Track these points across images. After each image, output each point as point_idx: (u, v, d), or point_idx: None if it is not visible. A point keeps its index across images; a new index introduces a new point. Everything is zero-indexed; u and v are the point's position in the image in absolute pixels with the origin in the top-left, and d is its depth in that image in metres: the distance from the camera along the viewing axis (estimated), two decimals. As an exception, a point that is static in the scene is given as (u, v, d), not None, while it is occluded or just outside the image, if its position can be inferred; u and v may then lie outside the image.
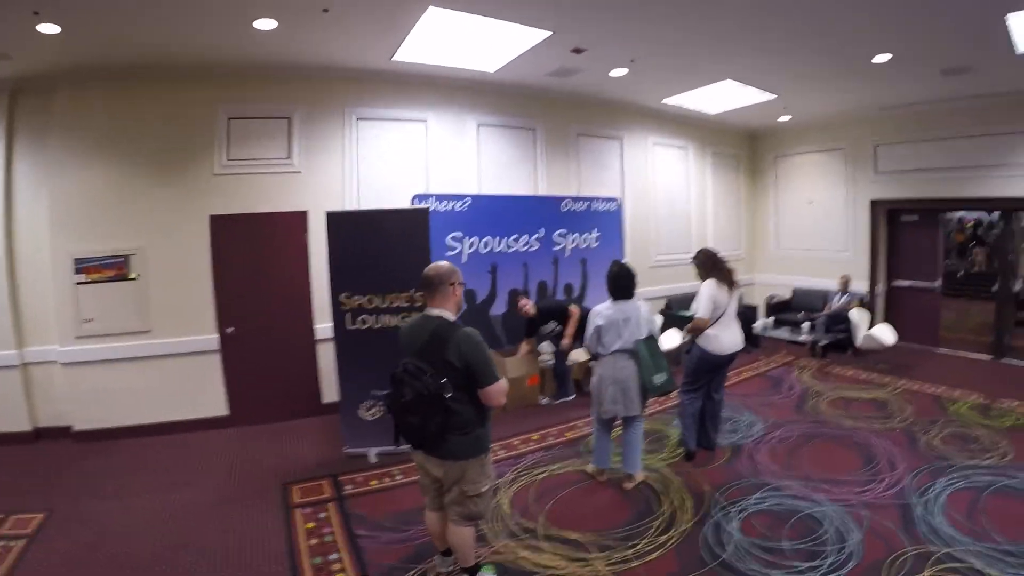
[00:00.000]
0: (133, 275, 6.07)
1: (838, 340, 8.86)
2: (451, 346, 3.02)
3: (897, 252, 9.87)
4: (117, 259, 6.03)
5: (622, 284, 4.77)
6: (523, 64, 6.61)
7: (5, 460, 5.57)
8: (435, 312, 3.18)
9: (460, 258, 7.15)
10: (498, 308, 7.58)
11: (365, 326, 5.44)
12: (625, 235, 8.98)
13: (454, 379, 3.00)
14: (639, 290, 4.89)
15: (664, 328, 7.11)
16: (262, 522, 4.33)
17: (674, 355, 7.19)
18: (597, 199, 8.54)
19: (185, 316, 6.27)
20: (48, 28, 4.74)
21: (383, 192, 6.97)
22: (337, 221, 5.45)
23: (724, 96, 8.40)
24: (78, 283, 5.94)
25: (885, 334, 8.30)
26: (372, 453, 5.46)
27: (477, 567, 3.45)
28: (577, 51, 6.24)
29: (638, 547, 3.88)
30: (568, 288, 8.22)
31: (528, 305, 6.97)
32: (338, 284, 5.41)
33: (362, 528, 4.21)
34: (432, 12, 5.02)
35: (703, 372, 5.25)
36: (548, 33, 5.65)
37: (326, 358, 6.47)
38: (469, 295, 7.23)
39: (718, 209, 10.92)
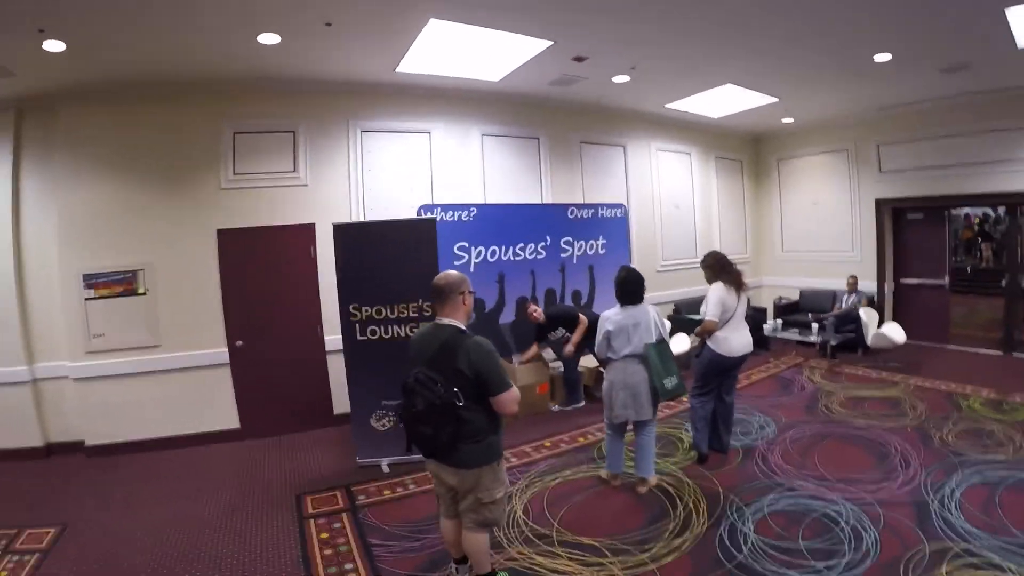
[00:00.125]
0: (142, 290, 6.11)
1: (848, 340, 8.83)
2: (461, 355, 3.01)
3: (904, 250, 9.86)
4: (126, 274, 6.07)
5: (630, 289, 4.77)
6: (525, 74, 6.65)
7: (18, 475, 5.59)
8: (445, 321, 3.18)
9: (467, 267, 7.17)
10: (507, 316, 7.60)
11: (375, 337, 5.46)
12: (631, 241, 9.00)
13: (465, 388, 2.99)
14: (647, 295, 4.89)
15: (673, 332, 7.11)
16: (276, 533, 4.33)
17: (684, 359, 7.19)
18: (603, 206, 8.57)
19: (194, 330, 6.30)
20: (53, 46, 4.80)
21: (389, 203, 7.00)
22: (345, 233, 5.48)
23: (726, 100, 8.42)
24: (87, 299, 5.98)
25: (896, 332, 8.28)
26: (384, 463, 5.46)
27: (493, 574, 3.44)
28: (578, 59, 6.27)
29: (653, 551, 3.87)
30: (576, 295, 8.23)
31: (537, 311, 6.98)
32: (347, 295, 5.43)
33: (376, 538, 4.20)
34: (433, 24, 5.06)
35: (713, 375, 5.24)
36: (549, 43, 5.69)
37: (336, 369, 6.44)
38: (478, 304, 7.23)
39: (723, 213, 10.93)
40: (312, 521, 4.49)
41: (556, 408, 7.13)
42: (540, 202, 8.28)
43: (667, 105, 8.72)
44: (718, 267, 5.20)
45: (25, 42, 4.69)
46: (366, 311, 5.43)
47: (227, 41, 5.20)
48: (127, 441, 6.07)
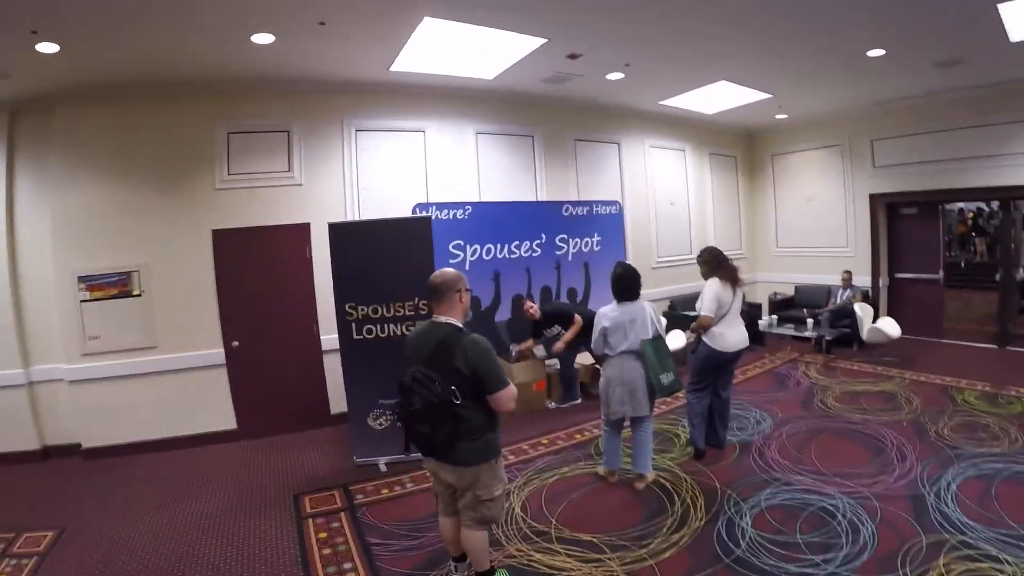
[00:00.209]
0: (137, 292, 6.09)
1: (843, 335, 8.86)
2: (458, 353, 3.01)
3: (898, 245, 9.90)
4: (121, 276, 6.05)
5: (626, 285, 4.78)
6: (519, 72, 6.64)
7: (15, 479, 5.58)
8: (442, 319, 3.17)
9: (463, 266, 7.18)
10: (503, 314, 7.61)
11: (371, 336, 5.46)
12: (626, 238, 9.01)
13: (462, 386, 3.00)
14: (643, 292, 4.90)
15: (669, 329, 7.12)
16: (274, 533, 4.33)
17: (680, 355, 7.20)
18: (598, 203, 8.59)
19: (190, 331, 6.29)
20: (47, 47, 4.78)
21: (384, 202, 6.99)
22: (340, 232, 5.47)
23: (720, 97, 8.43)
24: (82, 300, 5.96)
25: (890, 327, 8.31)
26: (382, 462, 5.46)
27: (492, 571, 3.45)
28: (573, 57, 6.27)
29: (652, 546, 3.88)
30: (572, 292, 8.25)
31: (533, 308, 7.00)
32: (343, 295, 5.43)
33: (375, 537, 4.20)
34: (428, 23, 5.05)
35: (709, 370, 5.26)
36: (543, 40, 5.68)
37: (333, 369, 6.43)
38: (474, 303, 7.21)
39: (718, 209, 10.95)
40: (310, 521, 4.49)
41: (553, 405, 7.14)
42: (535, 200, 8.29)
43: (661, 102, 8.72)
44: (715, 262, 5.22)
45: (19, 44, 4.67)
46: (362, 310, 5.43)
47: (221, 41, 5.19)
48: (124, 443, 6.06)
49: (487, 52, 6.04)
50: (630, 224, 9.21)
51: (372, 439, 5.51)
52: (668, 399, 5.94)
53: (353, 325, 5.44)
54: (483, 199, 7.76)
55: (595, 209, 8.51)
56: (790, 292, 10.67)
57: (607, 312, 4.78)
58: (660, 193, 9.85)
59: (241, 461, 5.88)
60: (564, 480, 5.03)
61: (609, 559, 3.75)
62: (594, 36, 5.71)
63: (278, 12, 4.67)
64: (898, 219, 9.84)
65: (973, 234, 15.53)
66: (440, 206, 7.18)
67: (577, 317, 6.81)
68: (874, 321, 8.61)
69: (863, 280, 9.71)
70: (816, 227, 10.60)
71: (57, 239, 5.96)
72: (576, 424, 6.41)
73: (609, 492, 4.78)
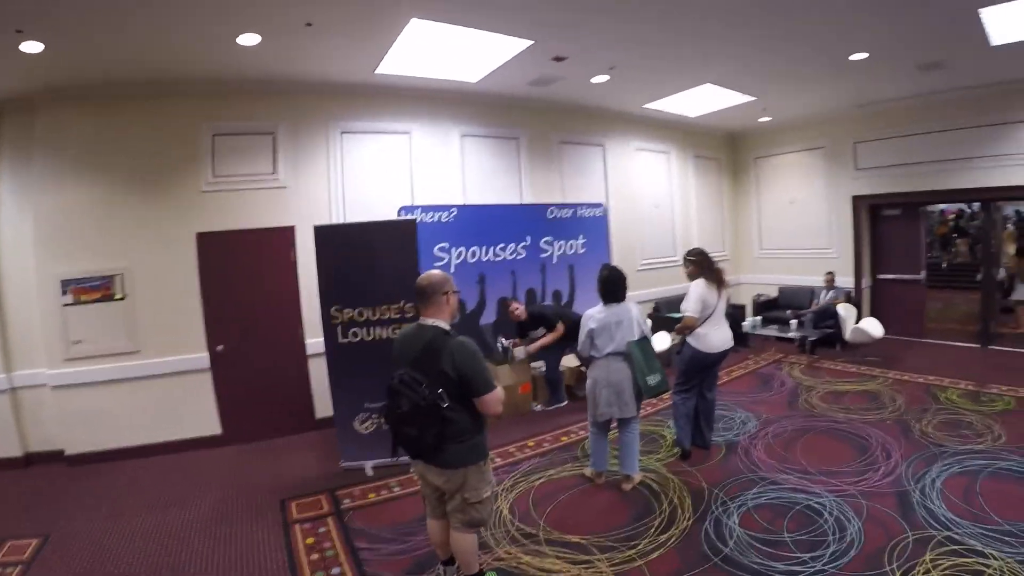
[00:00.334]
0: (119, 295, 6.02)
1: (826, 335, 8.92)
2: (446, 356, 3.00)
3: (881, 246, 9.99)
4: (104, 279, 5.97)
5: (613, 288, 4.80)
6: (505, 74, 6.65)
7: (-3, 486, 5.51)
8: (429, 322, 3.16)
9: (448, 268, 7.14)
10: (488, 317, 7.60)
11: (357, 339, 5.42)
12: (611, 240, 9.03)
13: (449, 389, 2.99)
14: (628, 294, 4.92)
15: (654, 330, 7.15)
16: (262, 539, 4.30)
17: (665, 357, 7.22)
18: (582, 205, 8.61)
19: (174, 335, 6.22)
20: (32, 46, 4.73)
21: (369, 205, 6.96)
22: (325, 235, 5.44)
23: (704, 99, 8.48)
24: (65, 304, 5.87)
25: (873, 327, 8.38)
26: (368, 466, 5.43)
27: (481, 574, 3.44)
28: (558, 59, 6.29)
29: (640, 547, 3.89)
30: (557, 294, 8.26)
31: (519, 309, 7.00)
32: (328, 298, 5.39)
33: (363, 541, 4.18)
34: (415, 24, 5.05)
35: (695, 371, 5.28)
36: (529, 42, 5.69)
37: (318, 373, 6.38)
38: (459, 306, 7.21)
39: (702, 212, 11.00)
40: (298, 526, 4.46)
41: (539, 408, 7.13)
42: (520, 202, 8.29)
43: (645, 105, 8.77)
44: (703, 263, 5.25)
45: (3, 43, 4.61)
46: (348, 313, 5.40)
47: (208, 42, 5.15)
48: (108, 449, 5.98)
49: (473, 55, 6.04)
50: (615, 226, 9.22)
51: (358, 443, 5.47)
52: (653, 400, 5.95)
53: (339, 328, 5.41)
54: (468, 201, 7.75)
55: (580, 212, 8.53)
56: (773, 293, 10.74)
57: (594, 314, 4.79)
58: (645, 195, 9.88)
59: (226, 466, 5.83)
60: (551, 482, 5.03)
61: (598, 560, 3.76)
62: (580, 38, 5.73)
63: (265, 12, 4.65)
64: (880, 220, 9.93)
65: (954, 235, 15.69)
66: (425, 209, 7.16)
67: (560, 326, 6.82)
68: (857, 322, 8.68)
69: (846, 281, 9.78)
70: (799, 229, 10.67)
71: (39, 241, 5.88)
72: (562, 426, 6.41)
73: (596, 494, 4.78)
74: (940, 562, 3.41)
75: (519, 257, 7.90)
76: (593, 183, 9.17)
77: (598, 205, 8.84)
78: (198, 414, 6.33)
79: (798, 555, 3.62)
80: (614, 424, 4.93)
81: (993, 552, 3.45)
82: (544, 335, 6.96)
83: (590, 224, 8.66)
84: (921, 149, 8.89)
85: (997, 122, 8.12)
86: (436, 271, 3.34)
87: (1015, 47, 6.23)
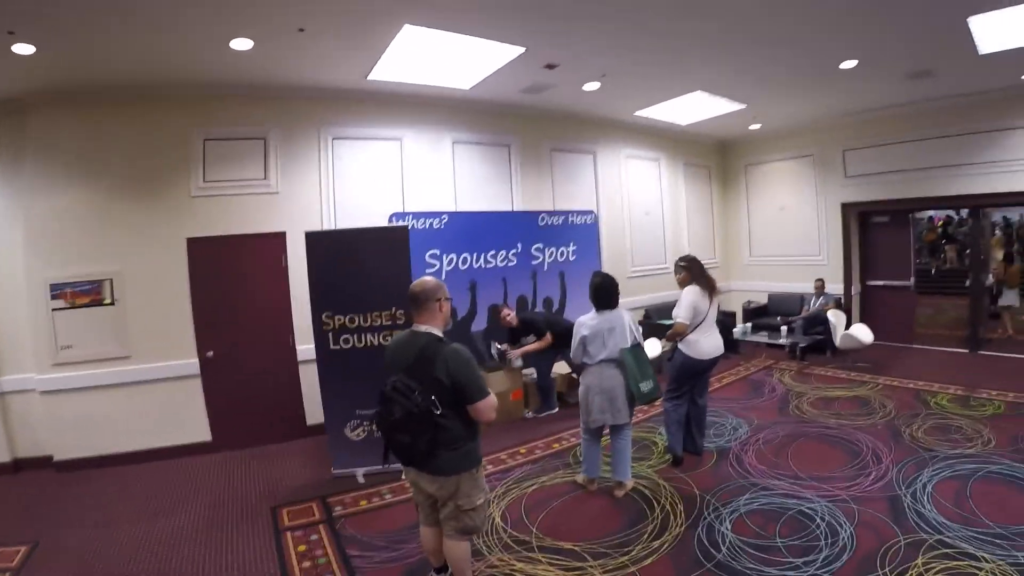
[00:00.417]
0: (108, 300, 5.98)
1: (816, 342, 8.97)
2: (439, 363, 2.98)
3: (870, 253, 10.06)
4: (94, 284, 5.93)
5: (605, 294, 4.80)
6: (497, 81, 6.66)
7: (-15, 493, 5.45)
8: (422, 329, 3.15)
9: (439, 275, 7.13)
10: (479, 324, 7.60)
11: (348, 346, 5.40)
12: (601, 247, 9.05)
13: (442, 396, 2.97)
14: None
15: (645, 337, 7.16)
16: (253, 546, 4.26)
17: (657, 363, 7.22)
18: (573, 213, 8.64)
19: (164, 341, 6.18)
20: (23, 48, 4.71)
21: (360, 211, 6.95)
22: (316, 241, 5.43)
23: (695, 107, 8.52)
24: (54, 309, 5.83)
25: (863, 333, 8.42)
26: (360, 473, 5.40)
27: (474, 580, 3.43)
28: (550, 67, 6.31)
29: (633, 553, 3.88)
30: (548, 301, 8.27)
31: (510, 315, 7.01)
32: (319, 304, 5.38)
33: (355, 549, 4.15)
34: (407, 30, 5.05)
35: (686, 378, 5.30)
36: (521, 50, 5.71)
37: (309, 379, 6.35)
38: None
39: (692, 219, 11.04)
40: (289, 534, 4.43)
41: (530, 415, 7.12)
42: (511, 209, 8.30)
43: (636, 113, 8.81)
44: (696, 270, 5.27)
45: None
46: (339, 320, 5.38)
47: (200, 46, 5.14)
48: (97, 455, 5.93)
49: (465, 62, 6.06)
50: (605, 233, 9.25)
51: (350, 450, 5.45)
52: (644, 407, 5.96)
53: (330, 335, 5.39)
54: (459, 208, 7.75)
55: (571, 219, 8.56)
56: (764, 300, 10.76)
57: (586, 321, 4.79)
58: (635, 203, 9.91)
59: (217, 473, 5.79)
60: (543, 489, 5.02)
61: (591, 567, 3.75)
62: (572, 45, 5.75)
63: (258, 17, 4.64)
64: (870, 227, 10.00)
65: (943, 241, 15.78)
66: (416, 215, 7.17)
67: (549, 335, 6.84)
68: (847, 328, 8.72)
69: (835, 288, 9.84)
70: (789, 236, 10.73)
71: (29, 245, 5.84)
72: (553, 433, 6.40)
73: (589, 500, 4.78)
74: (933, 566, 3.42)
75: (510, 264, 7.91)
76: (584, 190, 9.18)
77: (589, 212, 8.87)
78: (188, 420, 6.29)
79: (791, 560, 3.63)
80: (606, 431, 4.93)
81: (985, 555, 3.47)
82: (534, 342, 6.96)
83: (581, 231, 8.68)
84: (910, 156, 8.95)
85: (985, 130, 8.21)
86: (429, 278, 3.32)
87: (1003, 56, 6.30)
